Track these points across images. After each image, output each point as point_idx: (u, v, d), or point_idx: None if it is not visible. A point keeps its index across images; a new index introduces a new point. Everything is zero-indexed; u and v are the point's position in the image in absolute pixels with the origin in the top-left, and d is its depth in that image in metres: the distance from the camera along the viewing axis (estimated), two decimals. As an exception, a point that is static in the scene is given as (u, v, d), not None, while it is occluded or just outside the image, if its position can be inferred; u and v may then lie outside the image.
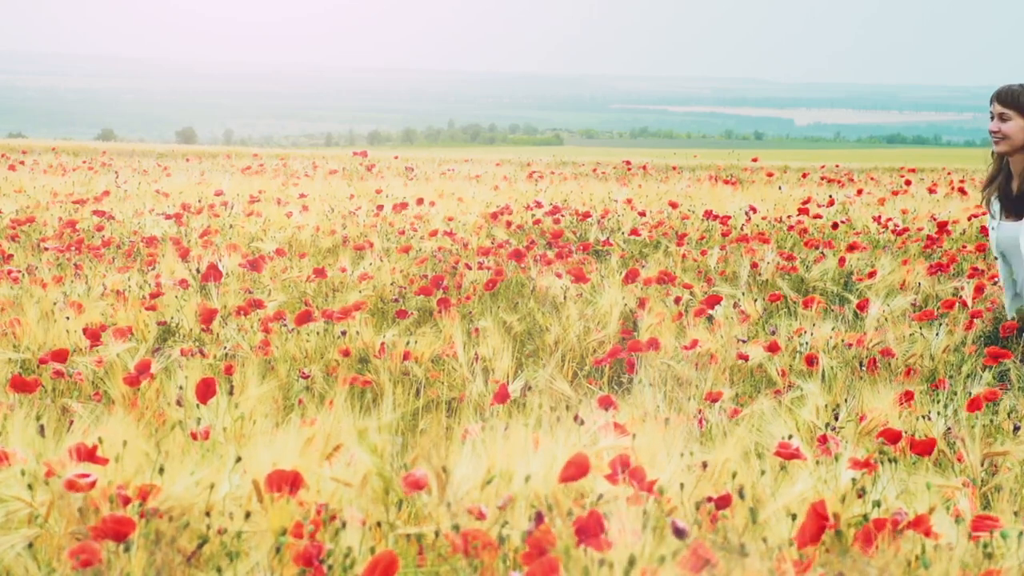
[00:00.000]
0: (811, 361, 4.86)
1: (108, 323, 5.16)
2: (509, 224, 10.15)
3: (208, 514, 2.17)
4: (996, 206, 4.30)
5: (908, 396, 3.65)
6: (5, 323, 4.95)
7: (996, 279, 7.10)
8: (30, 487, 2.21)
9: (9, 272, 6.62)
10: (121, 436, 2.33)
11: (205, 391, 3.10)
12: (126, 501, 2.14)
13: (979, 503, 2.84)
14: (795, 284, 7.42)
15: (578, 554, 1.94)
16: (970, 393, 3.84)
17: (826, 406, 3.50)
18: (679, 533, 2.01)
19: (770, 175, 20.04)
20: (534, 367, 5.12)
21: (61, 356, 4.23)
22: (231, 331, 5.25)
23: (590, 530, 1.95)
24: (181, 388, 3.37)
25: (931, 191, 15.53)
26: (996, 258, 4.39)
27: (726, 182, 18.46)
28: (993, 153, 4.24)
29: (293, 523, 2.12)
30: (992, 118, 4.13)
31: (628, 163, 23.67)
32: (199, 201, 11.28)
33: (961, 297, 6.45)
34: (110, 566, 2.06)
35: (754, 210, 11.03)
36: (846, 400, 3.78)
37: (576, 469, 2.19)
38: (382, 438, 2.34)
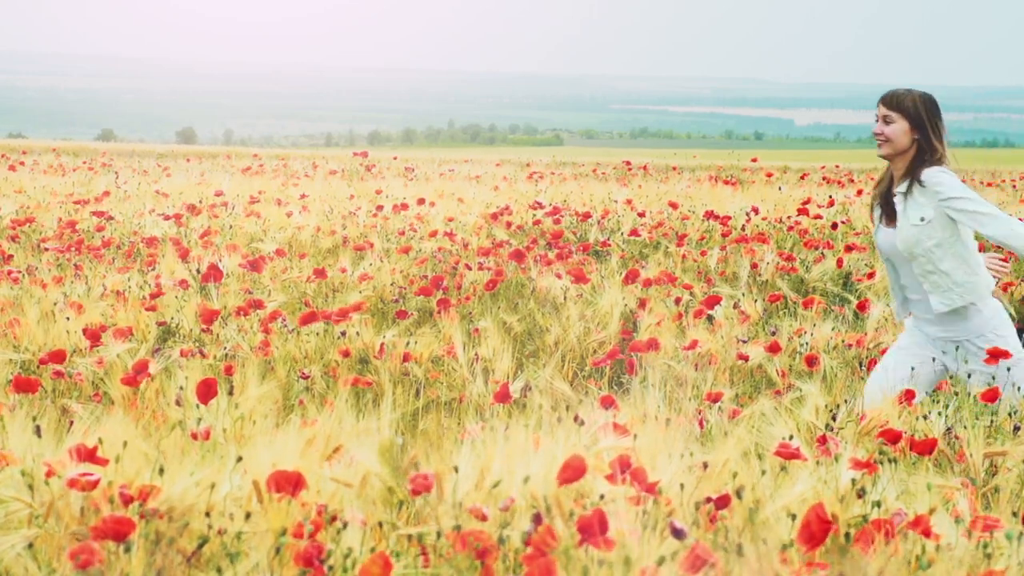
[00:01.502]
0: (811, 361, 4.86)
1: (108, 323, 5.16)
2: (509, 224, 10.15)
3: (208, 514, 2.17)
4: (877, 212, 4.26)
5: (910, 395, 3.65)
6: (5, 323, 4.95)
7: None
8: (30, 488, 2.21)
9: (9, 272, 6.62)
10: (121, 437, 2.33)
11: (205, 392, 3.10)
12: (128, 500, 2.14)
13: (979, 504, 2.84)
14: (795, 284, 7.42)
15: (579, 554, 1.94)
16: (970, 393, 3.84)
17: (826, 406, 3.49)
18: (677, 534, 2.01)
19: (770, 175, 20.03)
20: (534, 368, 5.12)
21: (59, 357, 4.23)
22: (231, 331, 5.25)
23: (593, 529, 1.95)
24: (181, 388, 3.37)
25: (931, 191, 15.50)
26: (884, 261, 4.32)
27: (726, 182, 18.46)
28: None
29: (293, 524, 2.12)
30: (876, 121, 4.11)
31: (628, 163, 23.69)
32: (199, 202, 11.28)
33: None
34: (110, 566, 2.06)
35: (756, 211, 11.03)
36: (846, 400, 3.78)
37: (573, 472, 2.19)
38: (386, 438, 2.34)
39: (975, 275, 4.04)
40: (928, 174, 4.01)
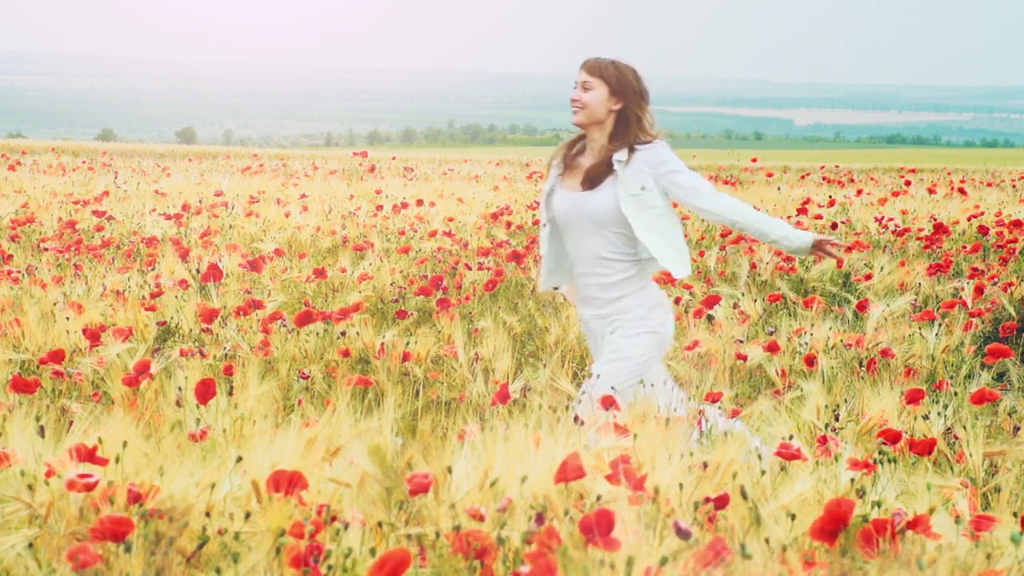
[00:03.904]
0: (811, 361, 4.86)
1: (108, 323, 5.16)
2: (509, 224, 10.15)
3: (208, 514, 2.17)
4: (556, 172, 4.03)
5: (918, 395, 3.64)
6: (5, 323, 4.95)
7: (995, 279, 7.11)
8: (30, 488, 2.21)
9: (9, 272, 6.62)
10: (121, 437, 2.33)
11: (203, 392, 3.10)
12: (136, 498, 2.14)
13: (979, 503, 2.84)
14: (794, 285, 7.42)
15: (579, 555, 1.94)
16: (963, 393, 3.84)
17: (826, 406, 3.50)
18: (682, 534, 2.01)
19: (770, 175, 20.05)
20: (534, 367, 5.12)
21: (58, 357, 4.22)
22: (231, 331, 5.25)
23: (597, 529, 1.95)
24: (181, 389, 3.37)
25: (931, 191, 15.55)
26: (544, 225, 4.08)
27: (726, 182, 18.47)
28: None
29: (293, 524, 2.12)
30: (575, 87, 3.92)
31: (628, 163, 23.65)
32: (199, 201, 11.28)
33: (961, 298, 6.45)
34: (110, 566, 2.06)
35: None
36: (846, 400, 3.78)
37: (571, 471, 2.18)
38: (378, 439, 2.34)
39: (686, 249, 3.94)
40: (653, 145, 3.88)
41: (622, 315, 3.91)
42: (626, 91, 3.89)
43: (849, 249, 8.34)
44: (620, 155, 3.89)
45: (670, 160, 3.89)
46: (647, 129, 3.93)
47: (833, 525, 2.08)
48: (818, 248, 3.82)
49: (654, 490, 2.19)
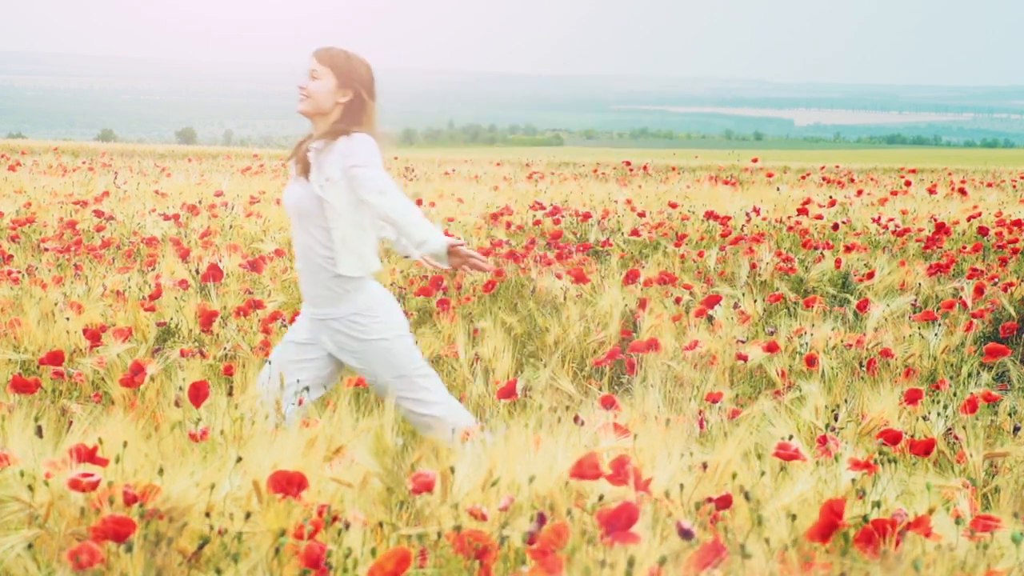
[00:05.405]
0: (811, 362, 4.86)
1: (108, 324, 5.16)
2: (509, 225, 10.15)
3: (208, 515, 2.17)
4: (292, 167, 3.91)
5: (916, 395, 3.64)
6: (5, 323, 4.95)
7: (995, 280, 7.11)
8: (30, 488, 2.21)
9: (9, 272, 6.62)
10: (121, 437, 2.33)
11: (196, 395, 3.11)
12: (132, 500, 2.14)
13: (979, 504, 2.84)
14: (794, 285, 7.42)
15: (580, 555, 1.94)
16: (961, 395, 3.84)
17: (826, 407, 3.50)
18: (685, 534, 2.00)
19: (770, 176, 20.06)
20: (534, 368, 5.13)
21: (56, 359, 4.21)
22: (231, 332, 5.25)
23: (619, 524, 1.94)
24: (181, 389, 3.37)
25: (931, 191, 15.56)
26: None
27: (726, 183, 18.48)
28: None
29: (293, 524, 2.12)
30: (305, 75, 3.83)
31: (628, 164, 23.69)
32: (199, 202, 11.29)
33: (961, 298, 6.45)
34: (110, 567, 2.06)
35: (756, 211, 11.04)
36: (846, 401, 3.78)
37: (588, 470, 2.19)
38: (377, 438, 2.34)
39: (371, 252, 3.82)
40: (353, 138, 3.76)
41: (338, 320, 3.77)
42: (355, 84, 3.81)
43: (848, 250, 8.34)
44: (317, 144, 3.79)
45: (356, 154, 3.73)
46: (371, 125, 3.83)
47: (827, 528, 2.09)
48: (455, 256, 3.67)
49: (664, 493, 2.19)
